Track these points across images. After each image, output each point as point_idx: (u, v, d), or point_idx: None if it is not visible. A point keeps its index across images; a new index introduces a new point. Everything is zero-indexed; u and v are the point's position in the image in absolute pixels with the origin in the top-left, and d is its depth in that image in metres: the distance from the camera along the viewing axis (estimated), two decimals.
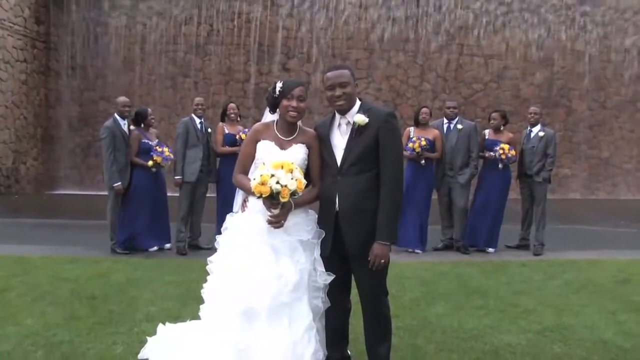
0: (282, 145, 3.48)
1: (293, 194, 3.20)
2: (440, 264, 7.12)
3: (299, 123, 3.59)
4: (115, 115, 7.65)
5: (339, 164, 3.43)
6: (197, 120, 7.77)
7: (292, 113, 3.46)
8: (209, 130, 7.84)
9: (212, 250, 3.67)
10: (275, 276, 3.28)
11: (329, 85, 3.43)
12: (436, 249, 8.01)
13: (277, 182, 3.17)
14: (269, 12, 14.85)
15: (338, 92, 3.39)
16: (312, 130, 3.62)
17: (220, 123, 7.94)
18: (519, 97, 15.72)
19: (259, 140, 3.53)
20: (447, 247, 8.11)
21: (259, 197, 3.23)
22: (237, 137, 7.67)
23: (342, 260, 3.49)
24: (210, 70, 14.78)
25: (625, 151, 16.28)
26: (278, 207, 3.27)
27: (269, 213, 3.29)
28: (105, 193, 7.72)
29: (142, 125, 7.77)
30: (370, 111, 3.42)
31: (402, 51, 15.53)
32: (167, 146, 7.79)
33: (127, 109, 7.70)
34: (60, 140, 15.09)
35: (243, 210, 3.56)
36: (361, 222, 3.39)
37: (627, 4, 15.73)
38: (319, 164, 3.55)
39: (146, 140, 7.63)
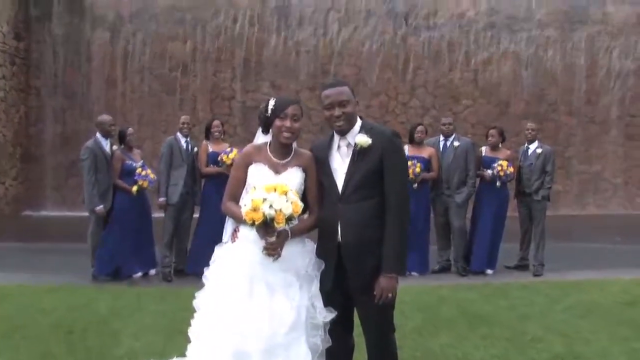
0: (277, 169, 3.18)
1: (289, 218, 2.88)
2: (439, 287, 6.82)
3: (294, 144, 3.29)
4: (97, 134, 7.31)
5: (340, 189, 3.12)
6: (183, 140, 7.44)
7: (285, 134, 3.16)
8: (195, 149, 7.51)
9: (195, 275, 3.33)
10: (270, 316, 2.96)
11: (327, 104, 3.14)
12: (433, 272, 7.71)
13: (271, 206, 2.84)
14: (256, 28, 14.62)
15: (337, 111, 3.10)
16: (308, 152, 3.31)
17: (205, 141, 7.61)
18: (509, 112, 15.56)
19: (251, 164, 3.22)
20: (444, 269, 7.82)
21: (251, 225, 2.92)
22: (219, 158, 7.31)
23: (344, 295, 3.17)
24: (195, 87, 14.47)
25: (616, 165, 16.16)
26: (274, 235, 2.94)
27: (264, 242, 2.97)
28: (87, 214, 7.36)
29: (123, 145, 7.43)
30: (372, 131, 3.13)
31: (390, 67, 15.34)
32: (150, 168, 7.46)
33: (112, 127, 7.38)
34: (41, 159, 14.66)
35: (233, 241, 3.24)
36: (366, 253, 3.08)
37: (614, 20, 15.69)
38: (316, 188, 3.25)
39: (129, 162, 7.29)
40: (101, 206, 7.09)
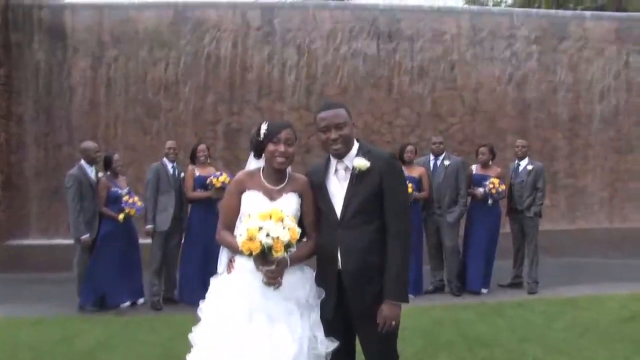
0: (271, 195, 3.07)
1: (288, 246, 2.76)
2: (434, 308, 6.70)
3: (288, 169, 3.19)
4: (82, 161, 7.15)
5: (339, 215, 3.02)
6: (169, 165, 7.30)
7: (279, 159, 3.05)
8: (182, 175, 7.37)
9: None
10: (271, 348, 2.83)
11: (323, 127, 3.04)
12: (427, 292, 7.59)
13: (267, 235, 2.72)
14: (239, 50, 14.54)
15: (334, 134, 3.00)
16: (303, 177, 3.21)
17: (190, 166, 7.46)
18: (495, 128, 15.58)
19: (244, 191, 3.11)
20: (438, 289, 7.71)
21: (248, 256, 2.80)
22: (208, 181, 7.18)
23: (345, 323, 3.06)
24: (179, 111, 14.33)
25: (602, 179, 16.21)
26: (272, 264, 2.82)
27: (263, 272, 2.85)
28: (73, 242, 7.16)
29: (109, 172, 7.27)
30: (370, 154, 3.04)
31: (375, 86, 15.33)
32: (137, 194, 7.30)
33: (97, 154, 7.24)
34: (23, 186, 14.37)
35: (230, 271, 3.11)
36: (367, 280, 2.98)
37: (594, 35, 15.86)
38: (313, 213, 3.14)
39: (115, 189, 7.13)
40: (87, 235, 6.91)
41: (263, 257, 2.78)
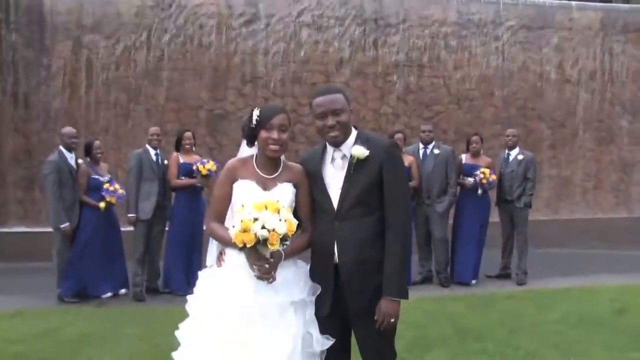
0: (265, 185, 2.90)
1: (284, 239, 2.59)
2: (423, 300, 6.57)
3: (282, 157, 3.02)
4: (61, 148, 6.91)
5: (335, 206, 2.86)
6: (152, 152, 7.07)
7: (272, 146, 2.88)
8: (166, 162, 7.15)
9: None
10: (265, 346, 2.67)
11: (319, 113, 2.87)
12: (415, 283, 7.47)
13: (263, 227, 2.55)
14: (223, 36, 14.27)
15: (331, 121, 2.83)
16: (298, 165, 3.04)
17: (175, 153, 7.24)
18: (480, 118, 15.51)
19: (236, 180, 2.93)
20: (426, 280, 7.61)
21: (241, 249, 2.63)
22: (194, 167, 7.00)
23: (341, 320, 2.91)
24: (162, 97, 14.03)
25: (585, 169, 16.24)
26: (267, 258, 2.66)
27: (256, 267, 2.69)
28: (52, 231, 6.93)
29: (89, 159, 7.04)
30: (369, 142, 2.87)
31: (360, 74, 15.15)
32: (119, 182, 7.08)
33: (74, 140, 6.97)
34: (1, 173, 14.02)
35: (219, 265, 2.94)
36: (366, 275, 2.82)
37: (580, 25, 15.82)
38: (309, 205, 2.98)
39: (96, 176, 6.90)
40: (67, 224, 6.68)
41: (257, 250, 2.62)
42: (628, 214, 15.86)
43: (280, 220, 2.58)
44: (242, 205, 2.68)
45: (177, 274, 6.93)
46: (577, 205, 16.14)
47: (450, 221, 7.71)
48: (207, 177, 6.93)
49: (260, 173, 2.92)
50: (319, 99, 2.88)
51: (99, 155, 7.08)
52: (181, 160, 7.06)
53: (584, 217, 15.50)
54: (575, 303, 6.36)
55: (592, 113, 16.10)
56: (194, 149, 7.30)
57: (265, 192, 2.85)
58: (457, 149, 7.91)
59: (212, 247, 3.05)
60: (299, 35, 14.76)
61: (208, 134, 14.03)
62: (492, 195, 7.82)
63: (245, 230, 2.56)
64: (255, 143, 2.96)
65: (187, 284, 6.93)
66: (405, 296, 2.86)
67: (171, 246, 7.05)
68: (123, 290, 7.08)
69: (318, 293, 2.85)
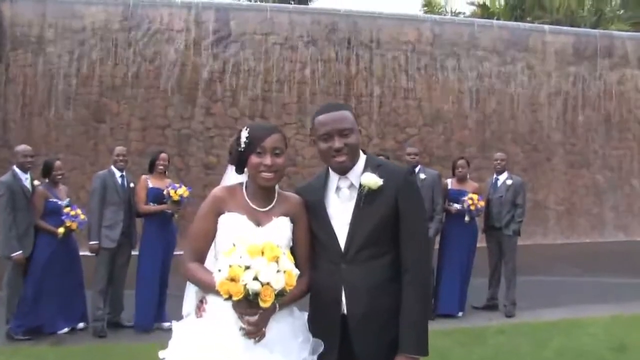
0: (258, 219, 2.42)
1: (280, 294, 2.12)
2: None
3: (277, 186, 2.54)
4: (14, 167, 6.28)
5: (342, 246, 2.39)
6: (118, 174, 6.48)
7: (265, 174, 2.41)
8: (132, 185, 6.58)
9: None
10: None
11: (323, 133, 2.41)
12: None
13: (255, 278, 2.07)
14: (192, 52, 13.76)
15: (338, 143, 2.38)
16: (295, 196, 2.57)
17: (144, 176, 6.68)
18: (453, 140, 15.29)
19: (222, 213, 2.44)
20: None
21: (226, 299, 2.15)
22: (165, 192, 6.46)
23: None
24: (127, 115, 13.41)
25: (558, 193, 16.14)
26: (256, 314, 2.18)
27: (243, 322, 2.20)
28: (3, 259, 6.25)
29: (47, 180, 6.42)
30: (382, 169, 2.42)
31: (333, 94, 14.79)
32: (79, 206, 6.46)
33: (29, 159, 6.34)
34: None
35: (199, 315, 2.44)
36: (379, 328, 2.37)
37: (553, 48, 15.81)
38: (308, 243, 2.50)
39: (54, 199, 6.28)
40: (19, 252, 6.04)
41: (246, 304, 2.13)
42: (601, 238, 15.76)
43: (278, 271, 2.09)
44: (234, 245, 2.18)
45: (146, 308, 6.35)
46: (550, 229, 16.00)
47: (436, 247, 7.30)
48: (179, 203, 6.40)
49: (252, 205, 2.45)
50: (323, 117, 2.43)
51: (59, 177, 6.47)
52: (150, 185, 6.50)
53: (556, 243, 15.35)
54: (570, 338, 6.00)
55: (565, 137, 16.06)
56: (166, 172, 6.76)
57: (258, 228, 2.37)
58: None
59: (191, 293, 2.55)
60: (270, 54, 14.37)
61: (176, 154, 13.43)
62: (479, 221, 7.46)
63: (233, 279, 2.07)
64: (245, 169, 2.48)
65: (157, 320, 6.43)
66: (425, 352, 2.39)
67: (141, 278, 6.44)
68: (82, 325, 6.43)
69: (321, 351, 2.36)
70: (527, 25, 16.81)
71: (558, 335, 6.05)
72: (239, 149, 2.47)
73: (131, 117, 13.38)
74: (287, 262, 2.14)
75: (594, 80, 16.13)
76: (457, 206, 6.97)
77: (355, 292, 2.36)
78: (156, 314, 6.45)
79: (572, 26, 18.33)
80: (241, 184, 2.52)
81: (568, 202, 16.23)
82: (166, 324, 6.43)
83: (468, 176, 7.27)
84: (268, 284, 2.06)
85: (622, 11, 23.80)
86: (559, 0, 20.07)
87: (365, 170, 2.42)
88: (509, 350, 5.59)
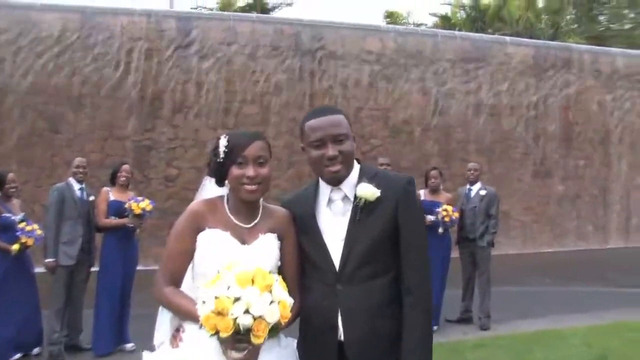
0: (242, 237, 2.16)
1: (274, 328, 1.85)
2: None
3: (261, 199, 2.29)
4: None
5: (337, 265, 2.16)
6: (77, 186, 6.08)
7: (248, 187, 2.16)
8: (92, 198, 6.20)
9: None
10: None
11: (315, 139, 2.17)
12: None
13: (247, 311, 1.80)
14: (153, 61, 13.37)
15: (332, 150, 2.15)
16: (282, 209, 2.32)
17: (105, 188, 6.32)
18: (418, 151, 15.25)
19: (202, 230, 2.18)
20: None
21: (212, 335, 1.87)
22: (127, 205, 6.10)
23: None
24: (85, 125, 12.91)
25: (523, 204, 16.24)
26: (245, 349, 1.88)
27: (228, 357, 1.92)
28: None
29: (0, 194, 5.99)
30: (378, 178, 2.20)
31: (296, 105, 14.58)
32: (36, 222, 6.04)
33: None
34: None
35: (175, 346, 2.16)
36: (379, 355, 2.14)
37: (515, 60, 15.96)
38: (296, 262, 2.26)
39: (7, 214, 5.86)
40: None
41: (234, 339, 1.85)
42: (564, 247, 15.92)
43: (272, 302, 1.83)
44: (218, 272, 1.91)
45: (106, 329, 5.97)
46: (515, 239, 16.08)
47: None
48: (141, 217, 6.05)
49: (235, 220, 2.19)
50: (315, 122, 2.20)
51: (12, 190, 6.06)
52: (111, 197, 6.13)
53: (522, 252, 15.42)
54: (551, 350, 5.87)
55: (528, 147, 16.21)
56: (129, 184, 6.41)
57: (243, 246, 2.11)
58: None
59: (164, 319, 2.26)
60: (233, 64, 14.09)
61: (135, 166, 12.96)
62: (452, 232, 7.31)
63: (220, 313, 1.80)
64: (226, 182, 2.22)
65: (116, 340, 6.07)
66: None
67: (101, 297, 6.05)
68: (36, 350, 5.97)
69: None
70: (489, 36, 16.96)
71: (538, 349, 5.90)
72: (218, 160, 2.20)
73: (89, 128, 12.88)
74: (281, 290, 1.87)
75: (554, 91, 16.37)
76: (430, 218, 6.79)
77: (353, 316, 2.13)
78: (118, 335, 6.08)
79: (531, 38, 18.61)
80: (221, 197, 2.25)
81: (532, 212, 16.36)
82: (128, 346, 6.12)
83: (441, 187, 7.11)
84: (261, 317, 1.80)
85: (575, 25, 24.42)
86: (518, 13, 20.39)
87: (360, 180, 2.19)
88: None
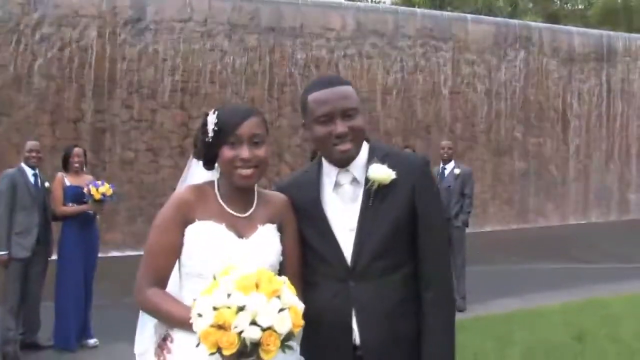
0: (239, 229, 1.87)
1: (287, 338, 1.56)
2: None
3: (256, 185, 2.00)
4: None
5: (349, 258, 1.88)
6: (30, 172, 5.59)
7: (242, 170, 1.86)
8: (47, 185, 5.76)
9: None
10: None
11: (321, 114, 1.88)
12: None
13: (254, 322, 1.50)
14: (107, 40, 12.75)
15: (341, 127, 1.86)
16: (279, 195, 2.03)
17: (60, 173, 5.88)
18: (380, 129, 15.09)
19: (192, 221, 1.87)
20: None
21: (212, 354, 1.55)
22: (85, 190, 5.69)
23: None
24: (34, 107, 12.24)
25: (482, 181, 16.30)
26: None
27: None
28: None
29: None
30: (391, 158, 1.92)
31: (255, 84, 14.19)
32: None
33: None
34: None
35: (162, 357, 1.86)
36: (400, 358, 1.87)
37: (475, 38, 15.91)
38: (298, 255, 1.97)
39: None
40: None
41: (239, 356, 1.54)
42: (525, 224, 16.11)
43: (281, 309, 1.54)
44: (214, 278, 1.61)
45: (67, 324, 5.59)
46: (477, 217, 16.12)
47: None
48: (101, 202, 5.65)
49: (228, 209, 1.89)
50: (320, 94, 1.90)
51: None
52: (67, 183, 5.71)
53: (484, 230, 15.48)
54: (531, 331, 5.82)
55: (488, 125, 16.27)
56: (84, 168, 6.00)
57: (240, 240, 1.82)
58: None
59: (147, 326, 1.96)
60: (189, 42, 13.59)
61: (90, 149, 12.39)
62: None
63: (221, 327, 1.51)
64: (216, 165, 1.92)
65: (78, 336, 5.70)
66: None
67: (62, 290, 5.65)
68: None
69: None
70: (450, 14, 16.84)
71: (519, 329, 5.85)
72: (206, 139, 1.89)
73: (38, 111, 12.22)
74: (290, 294, 1.59)
75: (514, 69, 16.43)
76: None
77: (370, 316, 1.86)
78: (80, 330, 5.70)
79: (489, 16, 18.63)
80: (212, 182, 1.95)
81: (493, 190, 16.48)
82: (91, 342, 5.76)
83: None
84: (270, 328, 1.51)
85: (531, 4, 24.66)
86: None
87: (370, 160, 1.92)
88: (473, 350, 5.24)
